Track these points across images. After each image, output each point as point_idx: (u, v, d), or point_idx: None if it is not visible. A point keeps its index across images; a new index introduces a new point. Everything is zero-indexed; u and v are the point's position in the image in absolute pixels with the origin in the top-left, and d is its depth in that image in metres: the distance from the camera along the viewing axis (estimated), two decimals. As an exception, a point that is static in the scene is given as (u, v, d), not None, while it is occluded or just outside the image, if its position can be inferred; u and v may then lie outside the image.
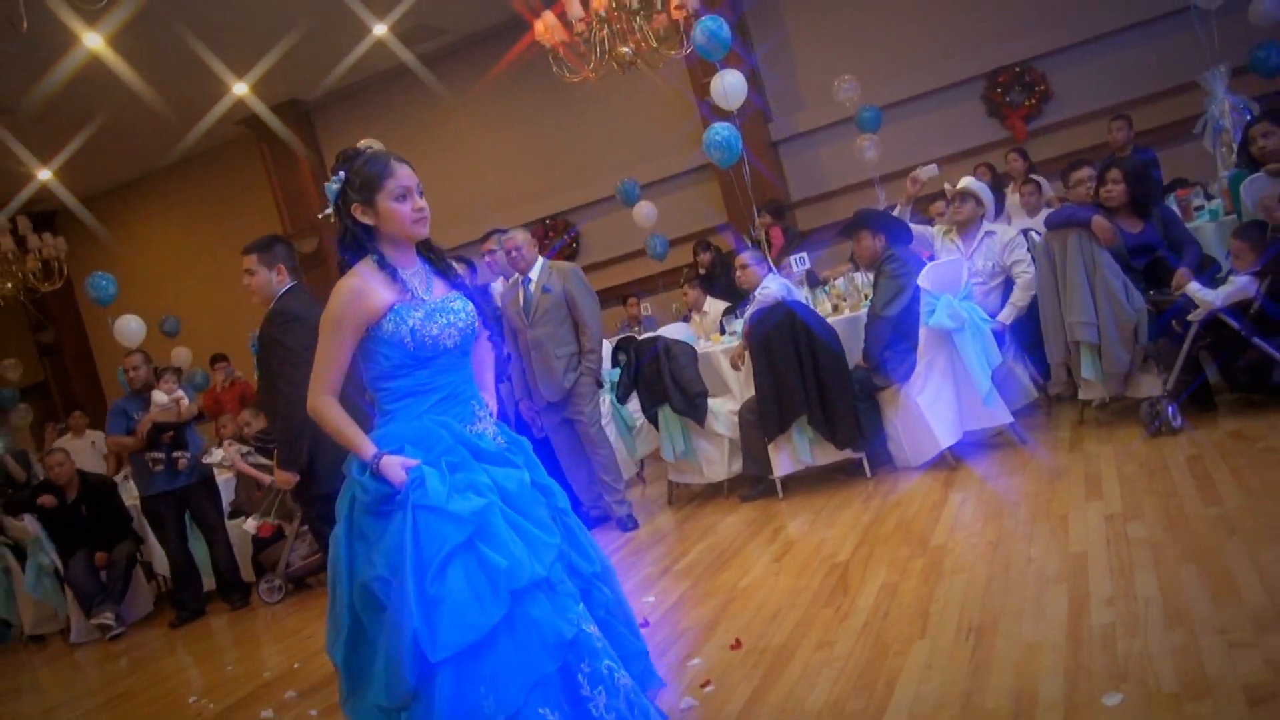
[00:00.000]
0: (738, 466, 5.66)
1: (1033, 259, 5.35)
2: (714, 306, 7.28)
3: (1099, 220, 4.72)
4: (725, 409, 5.69)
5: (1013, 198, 7.62)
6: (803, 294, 6.03)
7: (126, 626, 6.65)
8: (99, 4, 4.61)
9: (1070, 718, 2.31)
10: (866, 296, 5.61)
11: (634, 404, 5.99)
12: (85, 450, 8.79)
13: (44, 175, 9.70)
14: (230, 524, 6.66)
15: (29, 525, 6.77)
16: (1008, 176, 8.02)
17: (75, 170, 9.99)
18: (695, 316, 7.51)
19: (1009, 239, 5.57)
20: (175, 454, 6.27)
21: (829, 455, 5.29)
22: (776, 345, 5.16)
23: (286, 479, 4.16)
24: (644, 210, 9.40)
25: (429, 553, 2.11)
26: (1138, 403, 4.73)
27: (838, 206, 9.40)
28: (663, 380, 5.58)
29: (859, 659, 2.97)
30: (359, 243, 2.37)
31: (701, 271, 8.52)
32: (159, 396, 6.35)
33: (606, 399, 6.21)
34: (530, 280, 5.50)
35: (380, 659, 2.14)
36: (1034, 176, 7.46)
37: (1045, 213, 6.06)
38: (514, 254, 5.51)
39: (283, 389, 4.00)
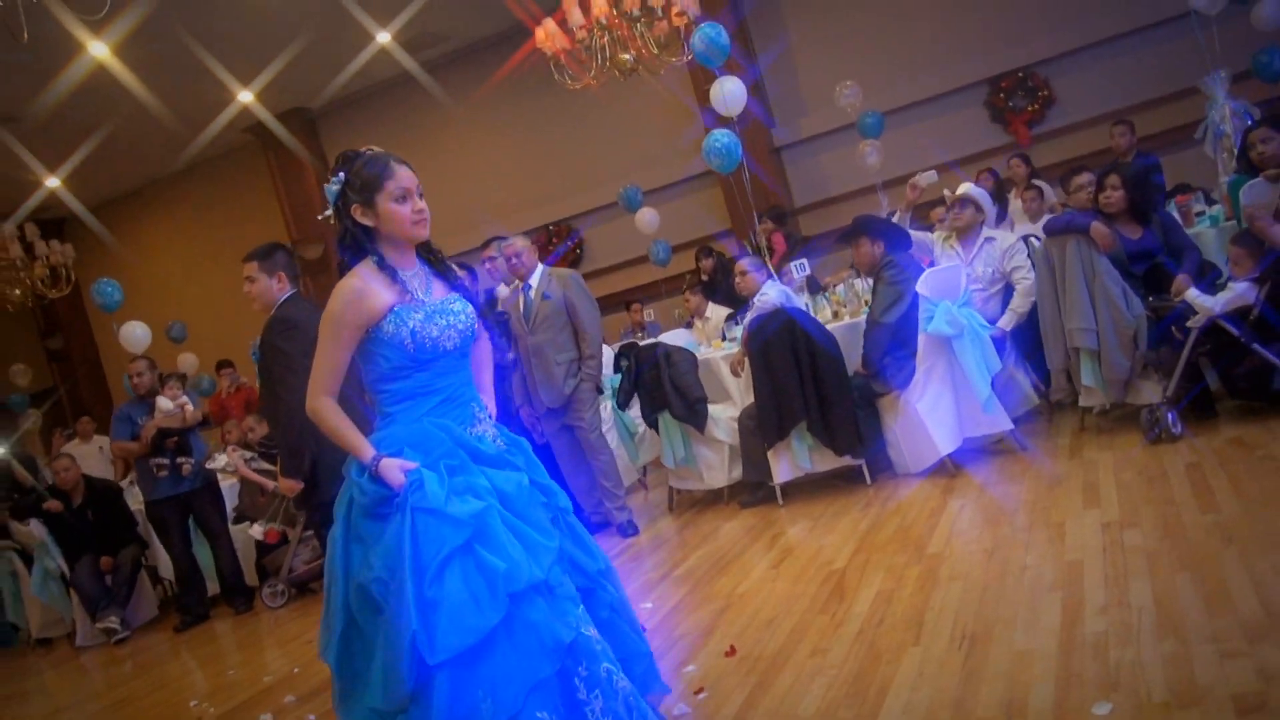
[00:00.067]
0: (738, 473, 5.66)
1: (1033, 265, 5.34)
2: (716, 313, 7.29)
3: (1098, 226, 4.72)
4: (726, 415, 5.69)
5: (1015, 203, 7.61)
6: (803, 300, 6.04)
7: (131, 630, 6.69)
8: (100, 14, 4.63)
9: (1060, 727, 2.32)
10: (867, 303, 5.61)
11: (636, 410, 6.00)
12: (92, 455, 8.84)
13: (52, 183, 9.76)
14: (234, 529, 6.69)
15: (35, 530, 6.82)
16: (1011, 182, 8.01)
17: (83, 178, 10.05)
18: (697, 323, 7.51)
19: (1009, 245, 5.56)
20: (179, 459, 6.30)
21: (829, 462, 5.29)
22: (775, 352, 5.17)
23: (291, 486, 4.18)
24: (646, 217, 9.42)
25: (427, 555, 2.11)
26: (1138, 409, 4.72)
27: (841, 212, 9.39)
28: (663, 386, 5.58)
29: (852, 666, 2.97)
30: (359, 244, 2.37)
31: (704, 278, 8.53)
32: (164, 403, 6.39)
33: (608, 405, 6.23)
34: (530, 287, 5.52)
35: (377, 661, 2.14)
36: (1036, 182, 7.46)
37: (1048, 218, 6.06)
38: (514, 260, 5.54)
39: (283, 396, 4.02)
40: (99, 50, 7.48)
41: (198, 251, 12.39)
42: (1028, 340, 5.37)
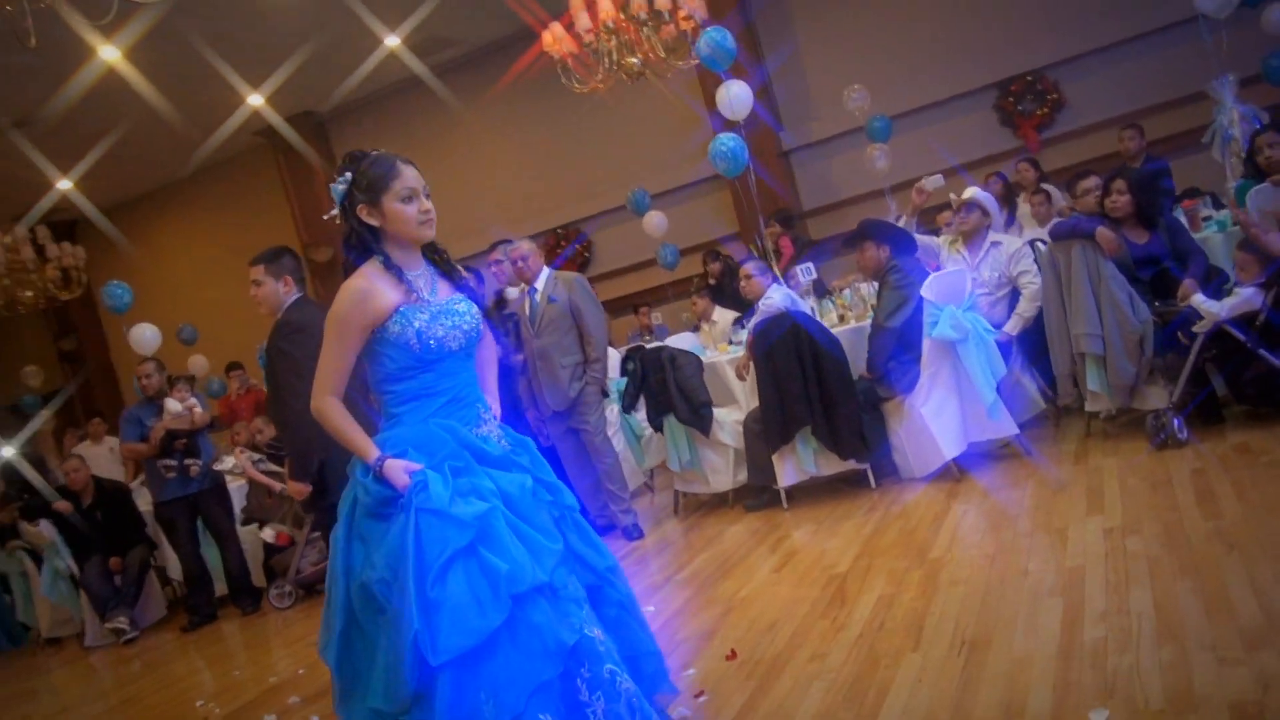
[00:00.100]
0: (743, 476, 5.67)
1: (1039, 269, 5.33)
2: (723, 316, 7.30)
3: (1103, 231, 4.70)
4: (731, 419, 5.70)
5: (1024, 207, 7.59)
6: (809, 304, 6.03)
7: (140, 630, 6.73)
8: (108, 17, 4.66)
9: (1056, 733, 2.32)
10: (873, 307, 5.61)
11: (642, 413, 6.01)
12: (104, 456, 8.89)
13: (64, 185, 9.83)
14: (242, 530, 6.72)
15: (44, 530, 6.87)
16: (1019, 186, 7.99)
17: (94, 181, 10.12)
18: (704, 326, 7.50)
19: (1015, 249, 5.56)
20: (187, 461, 6.34)
21: (833, 466, 5.29)
22: (780, 356, 5.17)
23: (299, 490, 4.16)
24: (654, 220, 9.42)
25: (430, 556, 2.11)
26: (1145, 415, 4.70)
27: (849, 216, 9.37)
28: (668, 390, 5.59)
29: (851, 671, 2.98)
30: (364, 244, 2.37)
31: (711, 281, 8.54)
32: (172, 405, 6.43)
33: (614, 408, 6.24)
34: (536, 290, 5.53)
35: (379, 661, 2.14)
36: (1045, 186, 7.43)
37: (1054, 223, 6.04)
38: (520, 264, 5.56)
39: (289, 401, 3.98)
40: (110, 54, 7.53)
41: (208, 254, 12.45)
42: (1034, 345, 5.36)
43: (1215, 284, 4.63)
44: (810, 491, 5.49)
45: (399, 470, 2.21)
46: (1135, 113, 8.08)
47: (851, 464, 5.24)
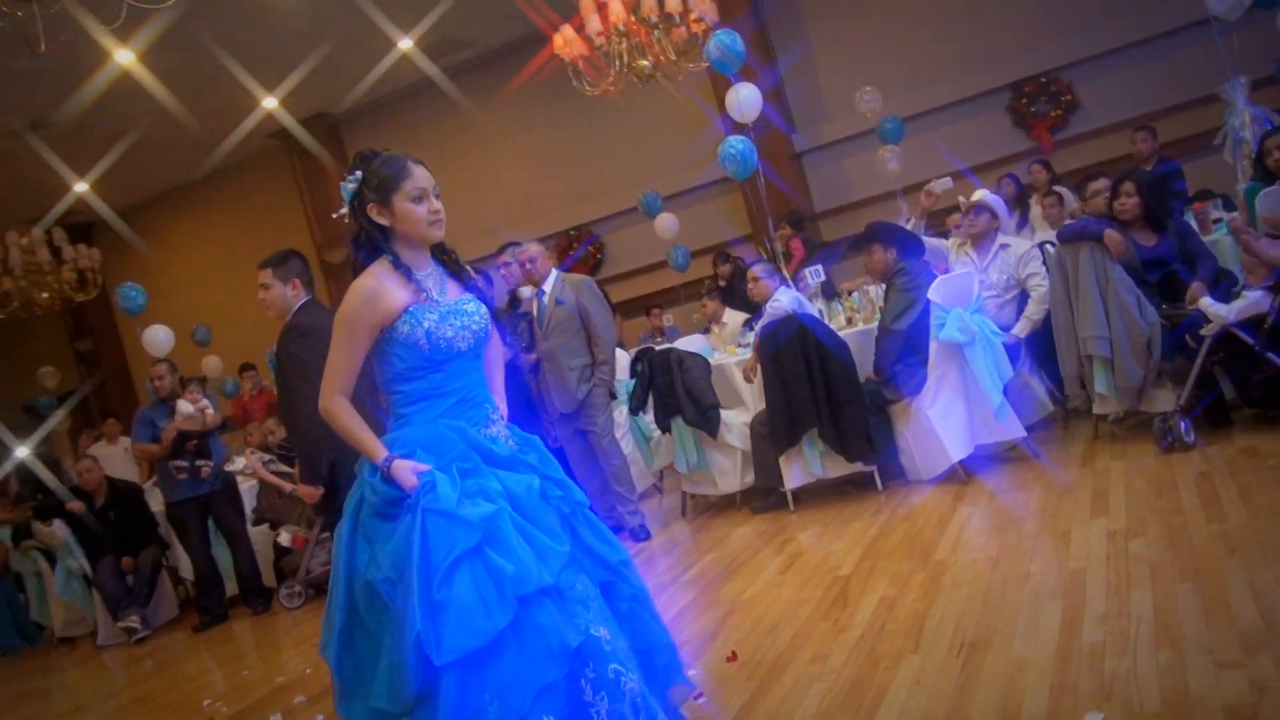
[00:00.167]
0: (751, 478, 5.66)
1: (1048, 272, 5.31)
2: (733, 318, 7.30)
3: (1111, 234, 4.69)
4: (739, 421, 5.70)
5: (1036, 209, 7.57)
6: (817, 306, 6.04)
7: (152, 630, 6.78)
8: (118, 21, 4.71)
9: (1051, 736, 2.32)
10: (880, 309, 5.60)
11: (650, 415, 6.02)
12: (118, 457, 8.97)
13: (80, 188, 9.93)
14: (253, 530, 6.77)
15: (58, 530, 6.93)
16: (1032, 188, 7.97)
17: (110, 183, 10.22)
18: (714, 328, 7.52)
19: (1024, 252, 5.54)
20: (199, 462, 6.39)
21: (840, 468, 5.28)
22: (787, 358, 5.17)
23: (310, 493, 4.12)
24: (666, 222, 9.44)
25: (437, 557, 2.10)
26: (1153, 418, 4.68)
27: (862, 217, 9.30)
28: (676, 392, 5.60)
29: (850, 673, 2.98)
30: (374, 243, 2.37)
31: (721, 283, 8.54)
32: (184, 406, 6.48)
33: (622, 410, 6.25)
34: (543, 293, 5.55)
35: (383, 661, 2.13)
36: (1057, 188, 7.42)
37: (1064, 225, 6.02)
38: (528, 266, 5.58)
39: (298, 404, 3.96)
40: (125, 58, 7.61)
41: (223, 256, 12.54)
42: (1042, 347, 5.34)
43: (1224, 287, 4.60)
44: (817, 494, 5.49)
45: (407, 471, 2.21)
46: (1148, 114, 8.04)
47: (858, 466, 5.24)
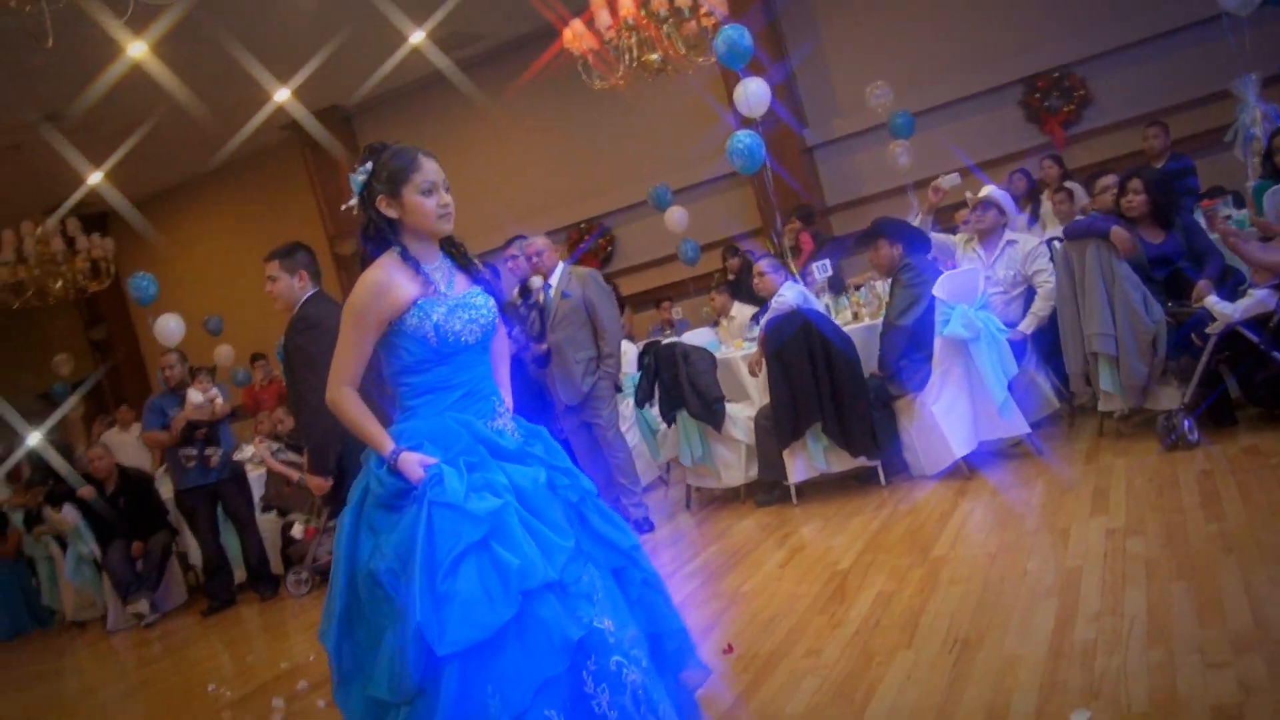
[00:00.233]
0: (755, 472, 5.68)
1: (1055, 268, 5.30)
2: (741, 312, 7.31)
3: (1117, 231, 4.67)
4: (744, 415, 5.71)
5: (1046, 205, 7.54)
6: (824, 301, 6.04)
7: (161, 615, 6.87)
8: (126, 15, 4.74)
9: (1037, 733, 2.33)
10: (886, 305, 5.60)
11: (656, 408, 6.03)
12: (130, 444, 9.04)
13: (94, 179, 9.98)
14: (261, 518, 6.83)
15: (68, 515, 7.01)
16: (1044, 183, 7.94)
17: (124, 174, 10.26)
18: (723, 321, 7.53)
19: (1031, 248, 5.53)
20: (208, 451, 6.45)
21: (844, 462, 5.29)
22: (791, 353, 5.18)
23: (320, 484, 4.14)
24: (675, 215, 9.44)
25: (443, 549, 2.10)
26: (1158, 415, 4.67)
27: (873, 212, 9.25)
28: (681, 385, 5.62)
29: (843, 667, 2.99)
30: (382, 235, 2.37)
31: (730, 277, 8.55)
32: (194, 395, 6.54)
33: (628, 402, 6.27)
34: (550, 285, 5.57)
35: (384, 651, 2.13)
36: (1067, 184, 7.38)
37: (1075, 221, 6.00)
38: (535, 259, 5.60)
39: (306, 396, 3.98)
40: (138, 50, 7.66)
41: (235, 246, 12.61)
42: (1049, 344, 5.33)
43: (1230, 285, 4.58)
44: (821, 488, 5.50)
45: (414, 464, 2.21)
46: (1161, 110, 7.98)
47: (862, 461, 5.24)
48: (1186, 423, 4.41)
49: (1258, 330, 4.25)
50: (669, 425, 5.88)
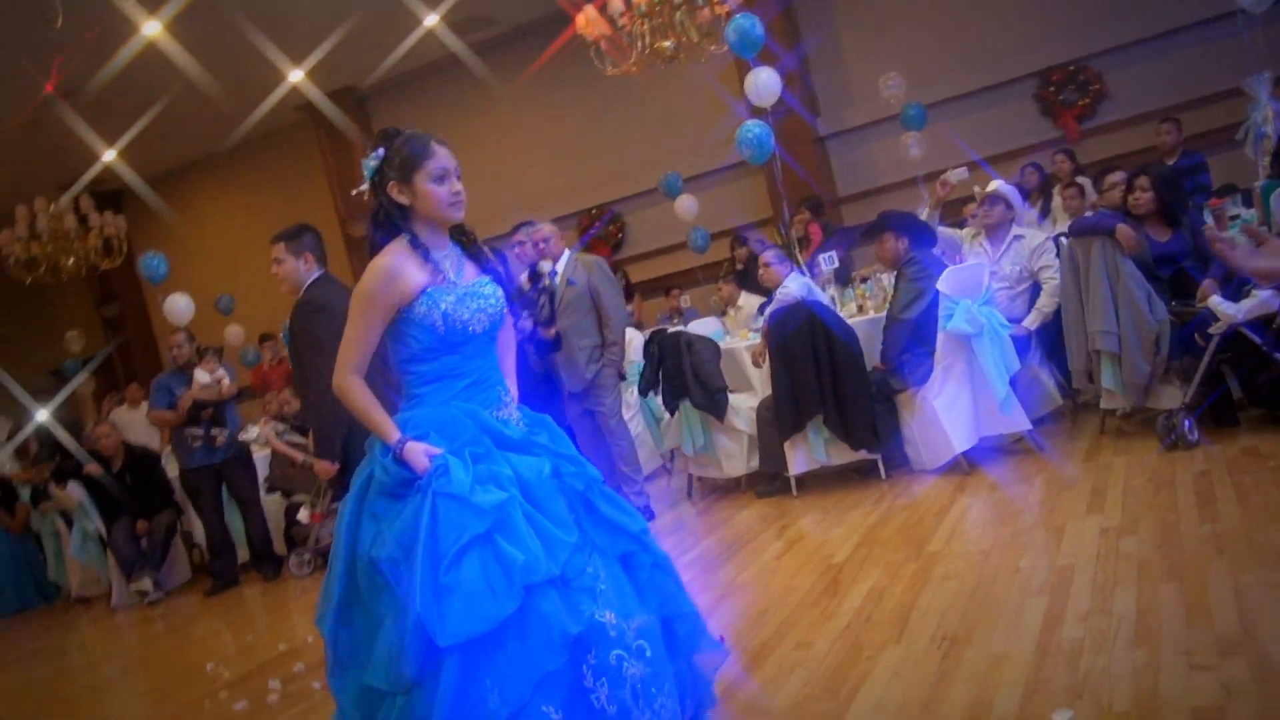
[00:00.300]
0: (756, 462, 5.69)
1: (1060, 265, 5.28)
2: (749, 302, 7.30)
3: (1123, 228, 4.65)
4: (746, 405, 5.72)
5: (1057, 200, 7.51)
6: (829, 293, 6.03)
7: (165, 593, 6.94)
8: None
9: (1019, 731, 2.34)
10: (890, 299, 5.59)
11: (660, 397, 6.04)
12: (139, 421, 9.08)
13: (108, 156, 10.02)
14: (265, 498, 6.88)
15: (73, 491, 7.08)
16: (1056, 178, 7.90)
17: (138, 152, 10.29)
18: (730, 311, 7.52)
19: (1037, 244, 5.50)
20: (213, 431, 6.50)
21: (845, 455, 5.30)
22: (794, 345, 5.18)
23: (326, 469, 4.13)
24: (686, 203, 9.43)
25: (447, 541, 2.10)
26: (1160, 414, 4.66)
27: (884, 203, 9.23)
28: (684, 374, 5.62)
29: (832, 661, 3.01)
30: (392, 221, 2.37)
31: (739, 266, 8.53)
32: (201, 375, 6.58)
33: (632, 390, 6.28)
34: (555, 273, 5.58)
35: (382, 640, 2.13)
36: (1078, 179, 7.33)
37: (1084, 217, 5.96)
38: (541, 245, 5.60)
39: (312, 380, 3.98)
40: (153, 29, 7.68)
41: (247, 226, 12.62)
42: (1052, 340, 5.32)
43: (1235, 285, 4.55)
44: (822, 480, 5.51)
45: (420, 454, 2.21)
46: (1175, 106, 7.93)
47: (863, 454, 5.25)
48: (1187, 423, 4.40)
49: (1261, 331, 4.23)
50: (672, 414, 5.89)
